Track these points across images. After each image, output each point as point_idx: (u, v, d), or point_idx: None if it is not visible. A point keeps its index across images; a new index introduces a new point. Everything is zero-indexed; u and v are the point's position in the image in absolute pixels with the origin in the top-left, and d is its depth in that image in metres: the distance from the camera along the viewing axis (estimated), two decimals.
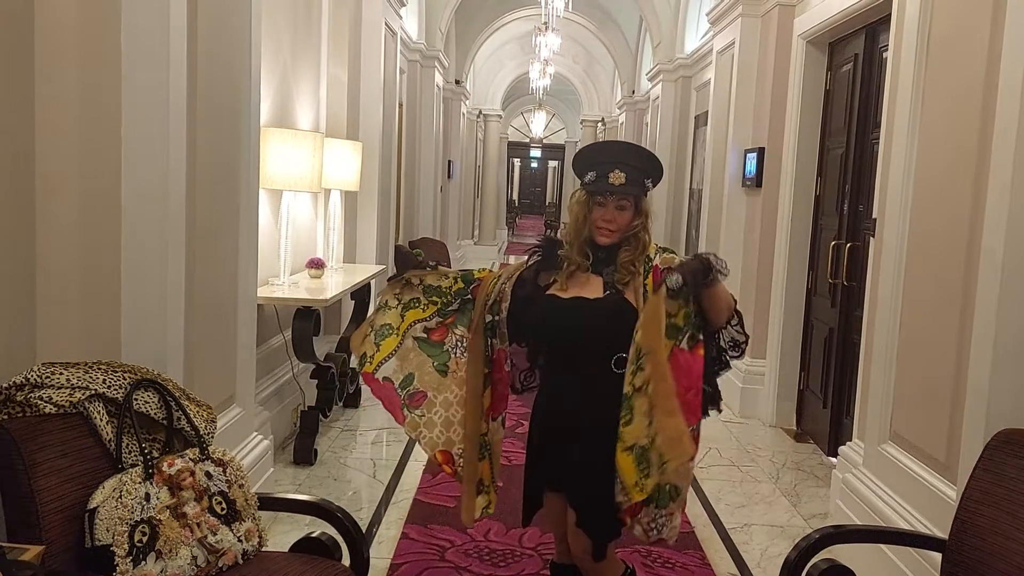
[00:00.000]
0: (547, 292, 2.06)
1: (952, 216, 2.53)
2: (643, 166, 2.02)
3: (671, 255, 2.00)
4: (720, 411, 2.11)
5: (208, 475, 1.85)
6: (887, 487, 2.82)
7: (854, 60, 4.11)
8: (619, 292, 1.99)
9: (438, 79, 8.95)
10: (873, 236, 3.29)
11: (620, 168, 1.96)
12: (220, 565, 1.79)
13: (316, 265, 4.16)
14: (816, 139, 4.53)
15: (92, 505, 1.70)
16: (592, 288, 2.02)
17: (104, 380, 1.86)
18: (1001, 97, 2.24)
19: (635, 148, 2.13)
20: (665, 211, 8.59)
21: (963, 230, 2.45)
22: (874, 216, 3.29)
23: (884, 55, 3.61)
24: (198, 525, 1.77)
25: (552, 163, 25.55)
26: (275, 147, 3.56)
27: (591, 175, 1.99)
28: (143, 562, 1.67)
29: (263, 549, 1.91)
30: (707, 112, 6.41)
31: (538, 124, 21.76)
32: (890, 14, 3.27)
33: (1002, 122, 2.23)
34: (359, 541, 1.99)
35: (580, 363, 2.03)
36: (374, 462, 3.90)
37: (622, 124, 12.26)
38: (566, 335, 2.03)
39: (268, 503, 2.05)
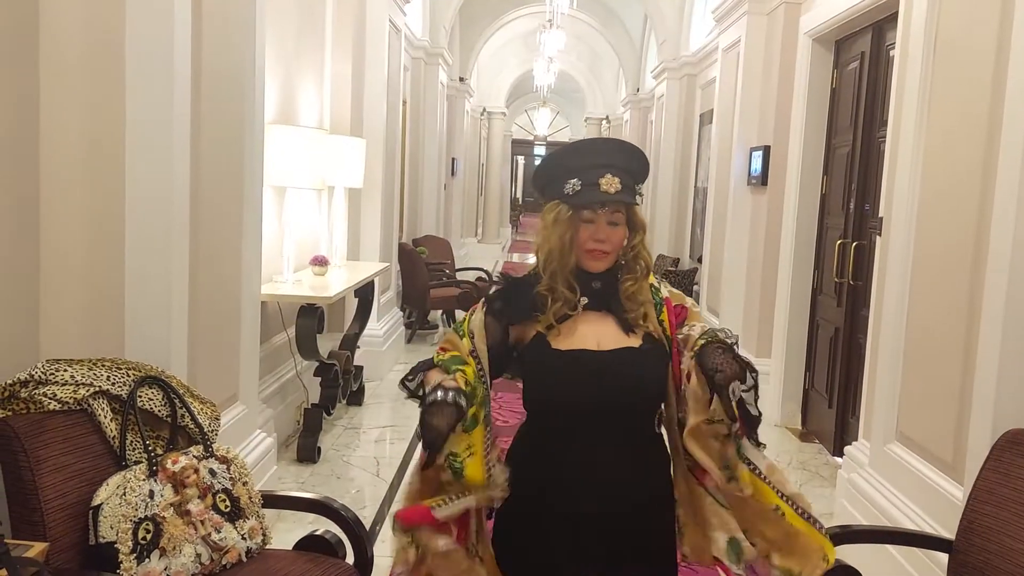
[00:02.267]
0: (551, 346, 1.51)
1: (959, 215, 2.52)
2: (634, 168, 1.55)
3: (679, 293, 1.60)
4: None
5: (212, 472, 1.85)
6: (893, 487, 2.80)
7: (860, 58, 4.09)
8: (651, 335, 1.53)
9: (442, 76, 8.94)
10: (879, 235, 3.27)
11: (612, 172, 1.49)
12: (224, 563, 1.79)
13: (320, 262, 4.16)
14: (822, 137, 4.51)
15: (96, 502, 1.70)
16: (610, 331, 1.52)
17: (108, 377, 1.86)
18: (1009, 95, 2.22)
19: (622, 144, 1.64)
20: (670, 210, 8.59)
21: (970, 229, 2.43)
22: (880, 215, 3.27)
23: (891, 53, 3.59)
24: (202, 522, 1.77)
25: None
26: (279, 144, 3.55)
27: (573, 183, 1.50)
28: (147, 559, 1.66)
29: (267, 547, 1.91)
30: (712, 110, 6.39)
31: (542, 122, 21.72)
32: (897, 12, 3.25)
33: (1010, 120, 2.21)
34: (363, 539, 1.98)
35: (626, 427, 1.52)
36: (377, 460, 3.89)
37: (627, 122, 12.24)
38: (611, 396, 1.48)
39: (272, 501, 2.05)
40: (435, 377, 1.45)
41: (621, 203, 1.50)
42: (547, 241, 1.52)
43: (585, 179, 1.50)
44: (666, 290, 1.59)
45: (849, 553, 2.41)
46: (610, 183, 1.48)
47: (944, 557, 2.00)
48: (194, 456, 1.85)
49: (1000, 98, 2.29)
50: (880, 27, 3.87)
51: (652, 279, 1.58)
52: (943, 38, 2.72)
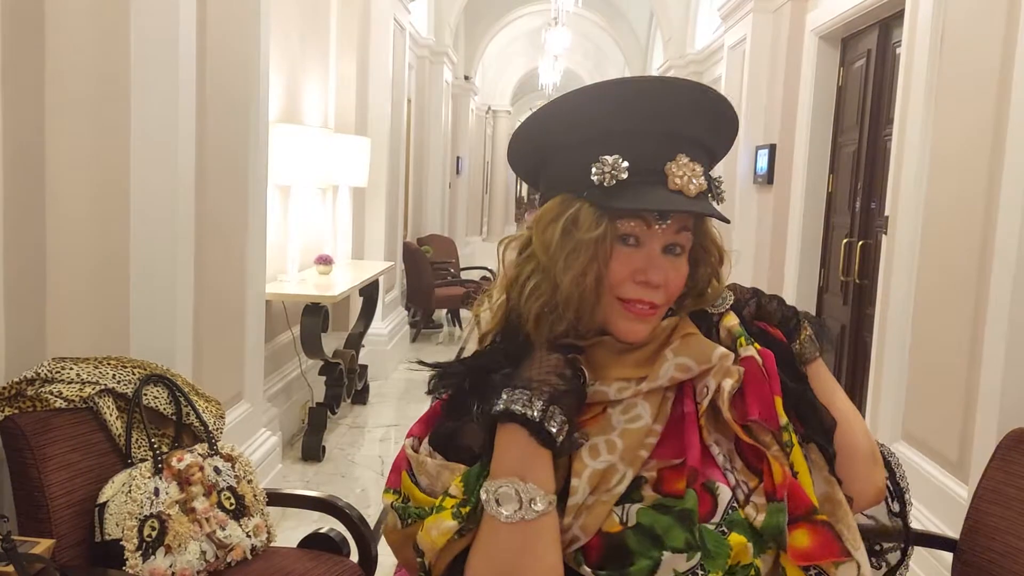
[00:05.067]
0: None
1: (965, 214, 2.50)
2: (718, 145, 0.86)
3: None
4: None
5: (217, 470, 1.86)
6: None
7: (867, 56, 4.07)
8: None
9: (447, 75, 8.94)
10: (886, 234, 3.26)
11: (689, 152, 0.80)
12: (229, 560, 1.79)
13: (324, 261, 4.17)
14: (828, 135, 4.50)
15: (102, 499, 1.71)
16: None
17: (114, 375, 1.86)
18: (1016, 93, 2.21)
19: (703, 96, 0.83)
20: None
21: (976, 228, 2.42)
22: (887, 214, 3.26)
23: (897, 51, 3.57)
24: (207, 520, 1.78)
25: None
26: (284, 143, 3.56)
27: (612, 165, 0.78)
28: (152, 557, 1.67)
29: (271, 545, 1.92)
30: None
31: None
32: (903, 9, 3.23)
33: (1017, 118, 2.20)
34: (367, 537, 1.99)
35: None
36: (382, 459, 3.90)
37: None
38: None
39: (277, 499, 2.06)
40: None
41: (703, 216, 0.83)
42: (539, 274, 0.82)
43: (637, 157, 0.78)
44: (746, 346, 0.86)
45: None
46: (687, 174, 0.78)
47: (948, 556, 1.99)
48: (199, 454, 1.85)
49: (1007, 95, 2.27)
50: (887, 24, 3.86)
51: (730, 321, 0.89)
52: (950, 35, 2.71)
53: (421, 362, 0.88)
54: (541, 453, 0.77)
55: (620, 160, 0.78)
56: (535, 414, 0.76)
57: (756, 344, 0.87)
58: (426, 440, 0.86)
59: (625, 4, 11.14)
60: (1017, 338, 2.16)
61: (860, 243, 4.01)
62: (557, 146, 0.83)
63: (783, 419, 0.83)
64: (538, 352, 0.82)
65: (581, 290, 0.81)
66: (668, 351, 0.83)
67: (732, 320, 0.89)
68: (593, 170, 0.79)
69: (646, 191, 0.78)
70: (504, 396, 0.78)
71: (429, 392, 0.87)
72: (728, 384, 0.82)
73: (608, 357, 0.85)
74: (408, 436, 0.89)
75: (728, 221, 0.83)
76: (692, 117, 0.81)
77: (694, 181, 0.79)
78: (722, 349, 0.84)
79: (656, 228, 0.80)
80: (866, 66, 4.08)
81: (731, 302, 0.90)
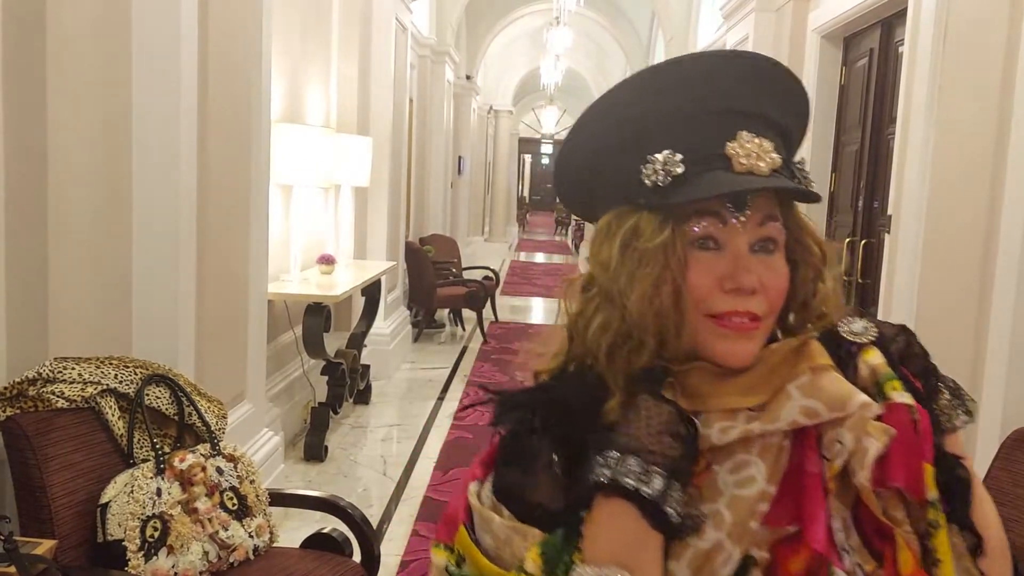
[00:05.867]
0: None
1: (969, 213, 2.50)
2: (791, 122, 0.74)
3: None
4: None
5: (219, 471, 1.85)
6: None
7: (869, 55, 4.07)
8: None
9: (449, 75, 8.94)
10: (888, 233, 3.25)
11: (752, 127, 0.67)
12: (231, 561, 1.79)
13: (327, 261, 4.17)
14: (831, 135, 4.49)
15: (104, 500, 1.71)
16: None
17: (116, 375, 1.86)
18: (1019, 91, 2.21)
19: (767, 67, 0.73)
20: None
21: (980, 227, 2.41)
22: (889, 212, 3.25)
23: (900, 49, 3.56)
24: (209, 520, 1.77)
25: None
26: (286, 142, 3.56)
27: (663, 161, 0.66)
28: (155, 557, 1.67)
29: (274, 545, 1.91)
30: None
31: (549, 120, 21.70)
32: (906, 7, 3.22)
33: (1021, 116, 2.19)
34: (370, 537, 1.99)
35: None
36: (384, 459, 3.90)
37: None
38: None
39: (279, 499, 2.06)
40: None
41: (786, 192, 0.69)
42: (602, 302, 0.69)
43: (691, 146, 0.66)
44: (898, 391, 0.69)
45: None
46: (754, 151, 0.66)
47: None
48: (201, 454, 1.85)
49: (1010, 94, 2.27)
50: (889, 23, 3.85)
51: (874, 358, 0.71)
52: (952, 34, 2.70)
53: (483, 387, 0.73)
54: (652, 537, 0.62)
55: (672, 153, 0.66)
56: (652, 492, 0.61)
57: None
58: (488, 485, 0.70)
59: (627, 3, 11.14)
60: (1020, 337, 2.15)
61: (863, 242, 4.01)
62: (605, 154, 0.70)
63: (931, 493, 0.66)
64: (642, 402, 0.65)
65: (656, 309, 0.66)
66: (793, 387, 0.66)
67: (876, 357, 0.70)
68: (644, 171, 0.66)
69: (708, 179, 0.64)
70: (609, 462, 0.63)
71: (493, 424, 0.72)
72: (874, 447, 0.64)
73: (707, 383, 0.68)
74: (471, 479, 0.72)
75: (819, 199, 0.68)
76: (750, 90, 0.69)
77: (765, 158, 0.65)
78: (863, 396, 0.66)
79: (735, 222, 0.66)
80: (868, 65, 4.07)
81: (874, 333, 0.71)
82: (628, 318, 0.67)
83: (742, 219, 0.66)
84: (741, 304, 0.66)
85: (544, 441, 0.67)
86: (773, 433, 0.66)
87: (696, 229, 0.66)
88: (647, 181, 0.66)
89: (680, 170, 0.65)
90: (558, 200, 0.77)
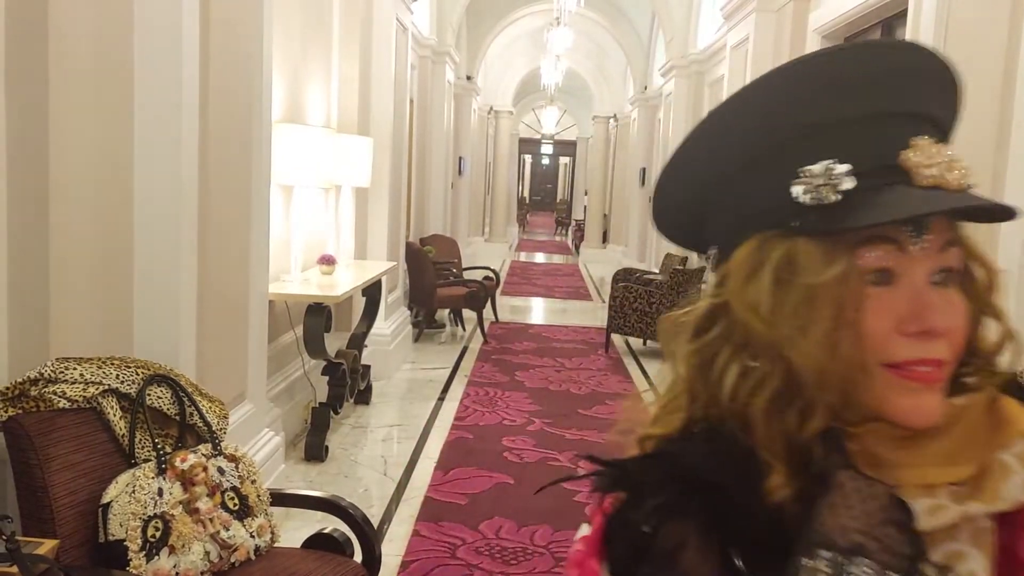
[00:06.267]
0: None
1: None
2: (952, 120, 0.63)
3: None
4: None
5: (220, 471, 1.86)
6: None
7: None
8: None
9: (449, 75, 8.94)
10: None
11: (926, 131, 0.55)
12: (232, 561, 1.79)
13: (327, 261, 4.17)
14: None
15: (105, 500, 1.71)
16: None
17: (117, 375, 1.86)
18: (1019, 91, 2.21)
19: (920, 52, 0.60)
20: None
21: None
22: None
23: None
24: (211, 520, 1.78)
25: (563, 159, 25.52)
26: (286, 143, 3.56)
27: (820, 176, 0.52)
28: (156, 557, 1.67)
29: (275, 545, 1.92)
30: None
31: (549, 120, 21.71)
32: (907, 8, 3.23)
33: (1021, 116, 2.20)
34: (370, 537, 1.99)
35: None
36: (385, 459, 3.90)
37: (634, 120, 12.21)
38: None
39: (280, 499, 2.06)
40: None
41: (983, 210, 0.55)
42: (748, 353, 0.56)
43: (856, 157, 0.53)
44: None
45: None
46: (939, 160, 0.54)
47: None
48: (203, 454, 1.85)
49: (1010, 94, 2.27)
50: (890, 24, 3.85)
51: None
52: (953, 33, 2.71)
53: (591, 457, 0.57)
54: None
55: (833, 165, 0.52)
56: None
57: None
58: None
59: (627, 3, 11.14)
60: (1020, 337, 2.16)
61: None
62: (731, 172, 0.57)
63: None
64: (847, 480, 0.51)
65: (841, 362, 0.52)
66: (1008, 456, 0.54)
67: None
68: (798, 189, 0.52)
69: (889, 196, 0.52)
70: (821, 565, 0.49)
71: (621, 514, 0.55)
72: None
73: (890, 451, 0.54)
74: (574, 566, 0.56)
75: (1017, 215, 0.55)
76: (916, 86, 0.57)
77: (955, 169, 0.53)
78: None
79: (914, 249, 0.53)
80: None
81: None
82: (799, 374, 0.53)
83: (924, 245, 0.53)
84: (926, 350, 0.53)
85: (672, 524, 0.52)
86: (988, 516, 0.53)
87: (869, 259, 0.53)
88: (804, 198, 0.52)
89: (850, 185, 0.52)
90: (656, 228, 0.66)
